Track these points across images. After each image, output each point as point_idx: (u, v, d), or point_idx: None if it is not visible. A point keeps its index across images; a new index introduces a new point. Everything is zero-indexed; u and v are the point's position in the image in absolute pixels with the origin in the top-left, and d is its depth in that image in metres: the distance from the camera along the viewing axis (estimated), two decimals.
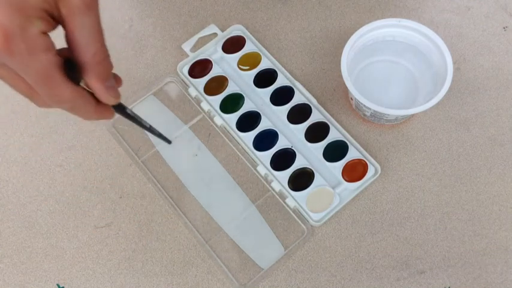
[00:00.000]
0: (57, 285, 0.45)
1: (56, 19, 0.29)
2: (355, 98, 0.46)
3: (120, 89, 0.39)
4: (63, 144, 0.51)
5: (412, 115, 0.48)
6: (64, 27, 0.30)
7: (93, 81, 0.31)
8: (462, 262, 0.46)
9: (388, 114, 0.46)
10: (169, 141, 0.47)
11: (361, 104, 0.46)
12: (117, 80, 0.34)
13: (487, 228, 0.47)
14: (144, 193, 0.49)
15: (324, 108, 0.51)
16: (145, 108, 0.51)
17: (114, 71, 0.34)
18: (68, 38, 0.30)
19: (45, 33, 0.29)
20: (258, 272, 0.45)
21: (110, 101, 0.33)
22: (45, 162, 0.50)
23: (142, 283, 0.45)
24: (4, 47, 0.27)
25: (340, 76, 0.46)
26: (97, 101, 0.33)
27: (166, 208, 0.48)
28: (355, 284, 0.45)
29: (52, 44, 0.29)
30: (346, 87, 0.46)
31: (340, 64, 0.47)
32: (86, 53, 0.30)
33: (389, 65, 0.52)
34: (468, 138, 0.50)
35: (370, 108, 0.46)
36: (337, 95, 0.52)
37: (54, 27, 0.30)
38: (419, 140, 0.50)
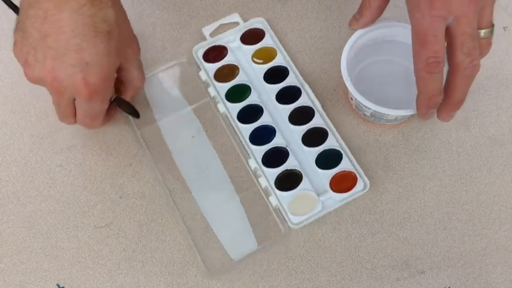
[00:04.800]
0: (57, 285, 0.45)
1: None
2: (355, 98, 0.46)
3: None
4: (63, 144, 0.51)
5: (412, 115, 0.48)
6: (119, 72, 0.45)
7: (131, 95, 0.49)
8: (462, 262, 0.46)
9: (388, 114, 0.46)
10: (137, 116, 0.49)
11: (361, 104, 0.46)
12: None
13: (487, 228, 0.47)
14: (144, 193, 0.49)
15: (324, 109, 0.51)
16: (155, 83, 0.52)
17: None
18: (126, 75, 0.47)
19: (112, 87, 0.45)
20: (229, 262, 0.45)
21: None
22: (45, 162, 0.50)
23: (142, 283, 0.45)
24: (87, 97, 0.42)
25: (340, 76, 0.46)
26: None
27: (166, 208, 0.48)
28: (355, 284, 0.45)
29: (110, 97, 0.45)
30: (346, 87, 0.46)
31: (340, 64, 0.47)
32: (137, 82, 0.48)
33: (390, 65, 0.52)
34: (468, 138, 0.50)
35: (370, 108, 0.46)
36: (337, 95, 0.52)
37: None
38: (419, 140, 0.50)
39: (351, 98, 0.49)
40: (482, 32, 0.41)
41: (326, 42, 0.55)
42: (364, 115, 0.49)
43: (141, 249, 0.47)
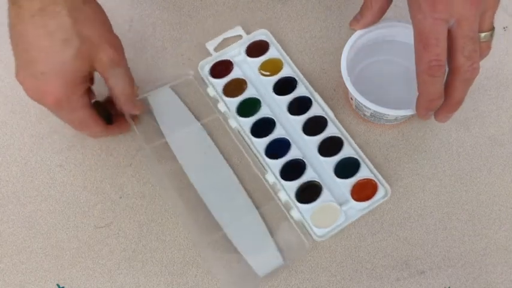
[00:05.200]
0: (57, 285, 0.45)
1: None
2: (355, 98, 0.46)
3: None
4: (63, 144, 0.51)
5: (412, 115, 0.48)
6: (102, 75, 0.44)
7: (123, 106, 0.46)
8: (462, 262, 0.46)
9: (388, 114, 0.46)
10: (109, 122, 0.48)
11: (361, 104, 0.46)
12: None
13: (487, 228, 0.47)
14: (144, 193, 0.49)
15: (336, 117, 0.50)
16: (162, 100, 0.52)
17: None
18: (106, 83, 0.44)
19: (84, 94, 0.43)
20: (255, 278, 0.45)
21: (136, 112, 0.48)
22: (45, 162, 0.50)
23: (142, 283, 0.45)
24: (55, 107, 0.42)
25: (340, 76, 0.46)
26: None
27: (166, 208, 0.48)
28: (355, 284, 0.45)
29: (88, 102, 0.44)
30: (346, 87, 0.46)
31: (340, 64, 0.47)
32: (118, 91, 0.45)
33: (390, 65, 0.52)
34: (468, 138, 0.50)
35: (370, 108, 0.46)
36: (337, 95, 0.52)
37: (93, 83, 0.45)
38: (419, 140, 0.50)
39: (351, 98, 0.49)
40: (483, 35, 0.41)
41: (326, 42, 0.55)
42: (364, 115, 0.49)
43: (141, 249, 0.47)
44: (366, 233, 0.47)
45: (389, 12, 0.47)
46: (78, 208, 0.48)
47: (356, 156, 0.48)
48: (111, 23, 0.56)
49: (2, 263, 0.46)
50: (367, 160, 0.48)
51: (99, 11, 0.44)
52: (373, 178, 0.47)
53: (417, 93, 0.44)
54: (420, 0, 0.39)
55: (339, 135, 0.49)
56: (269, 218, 0.47)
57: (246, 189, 0.48)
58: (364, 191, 0.47)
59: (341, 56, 0.47)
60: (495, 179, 0.49)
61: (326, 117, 0.50)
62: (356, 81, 0.48)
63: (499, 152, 0.50)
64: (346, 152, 0.48)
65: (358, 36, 0.48)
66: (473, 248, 0.46)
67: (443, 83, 0.42)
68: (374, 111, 0.46)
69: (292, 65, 0.53)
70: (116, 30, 0.56)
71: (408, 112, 0.45)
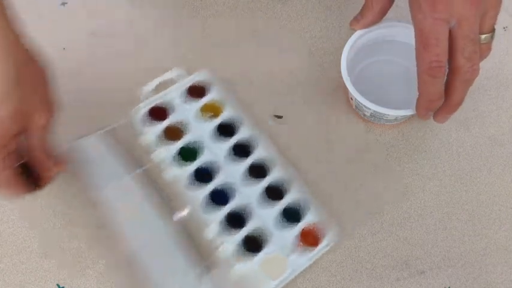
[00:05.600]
0: (57, 285, 0.45)
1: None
2: (355, 98, 0.46)
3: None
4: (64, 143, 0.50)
5: (412, 115, 0.48)
6: (27, 136, 0.41)
7: (41, 165, 0.43)
8: (462, 262, 0.46)
9: (388, 114, 0.46)
10: (34, 189, 0.44)
11: (361, 104, 0.46)
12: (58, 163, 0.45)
13: (487, 228, 0.47)
14: None
15: (286, 159, 0.49)
16: (88, 146, 0.48)
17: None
18: (29, 143, 0.42)
19: (9, 155, 0.40)
20: None
21: (52, 172, 0.45)
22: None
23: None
24: None
25: (340, 76, 0.46)
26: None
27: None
28: (355, 284, 0.45)
29: (12, 164, 0.41)
30: (346, 87, 0.46)
31: (340, 64, 0.47)
32: (40, 151, 0.43)
33: (390, 65, 0.52)
34: (468, 138, 0.50)
35: (370, 108, 0.46)
36: (337, 95, 0.52)
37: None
38: (419, 140, 0.50)
39: (351, 98, 0.49)
40: (483, 37, 0.41)
41: (326, 42, 0.55)
42: (364, 115, 0.49)
43: None
44: (366, 233, 0.47)
45: (390, 12, 0.47)
46: (78, 208, 0.48)
47: (302, 201, 0.46)
48: (111, 23, 0.56)
49: (2, 263, 0.46)
50: (314, 203, 0.46)
51: (43, 71, 0.41)
52: (320, 224, 0.45)
53: (417, 93, 0.44)
54: (420, 0, 0.39)
55: (284, 179, 0.47)
56: (211, 275, 0.44)
57: (185, 245, 0.45)
58: (310, 238, 0.45)
59: (341, 56, 0.47)
60: (495, 179, 0.49)
61: (270, 160, 0.48)
62: (356, 81, 0.48)
63: (499, 152, 0.50)
64: (292, 196, 0.46)
65: (358, 36, 0.48)
66: (473, 248, 0.46)
67: (444, 84, 0.42)
68: (374, 111, 0.46)
69: (236, 106, 0.50)
70: (116, 30, 0.56)
71: (408, 112, 0.45)
